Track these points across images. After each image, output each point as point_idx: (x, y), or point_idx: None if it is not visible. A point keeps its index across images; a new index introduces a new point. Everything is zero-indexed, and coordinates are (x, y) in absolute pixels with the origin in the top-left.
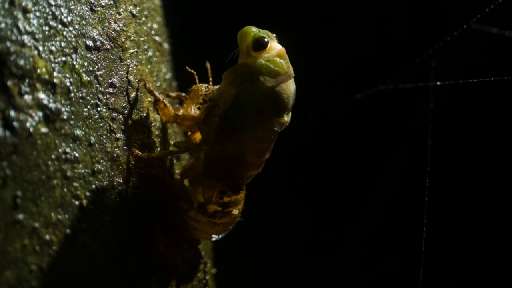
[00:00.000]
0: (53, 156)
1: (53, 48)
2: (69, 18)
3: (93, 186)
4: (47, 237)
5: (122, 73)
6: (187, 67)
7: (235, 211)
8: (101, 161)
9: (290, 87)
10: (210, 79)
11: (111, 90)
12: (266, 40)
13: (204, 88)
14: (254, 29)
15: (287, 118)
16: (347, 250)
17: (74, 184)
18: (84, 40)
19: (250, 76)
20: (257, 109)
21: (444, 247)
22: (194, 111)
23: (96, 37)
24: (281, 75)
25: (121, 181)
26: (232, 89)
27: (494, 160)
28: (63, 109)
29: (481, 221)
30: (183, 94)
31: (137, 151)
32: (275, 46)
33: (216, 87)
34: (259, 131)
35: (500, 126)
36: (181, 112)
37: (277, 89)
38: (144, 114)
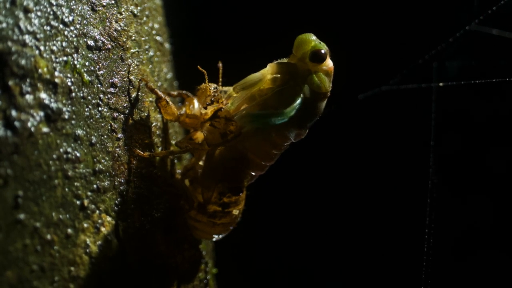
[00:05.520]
0: (54, 156)
1: (54, 48)
2: (70, 18)
3: (94, 186)
4: (48, 236)
5: (123, 73)
6: (198, 66)
7: (235, 211)
8: (102, 160)
9: (322, 105)
10: (220, 79)
11: (112, 90)
12: (324, 53)
13: (212, 88)
14: (314, 38)
15: (304, 132)
16: (347, 249)
17: (75, 184)
18: (85, 40)
19: (295, 80)
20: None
21: (444, 246)
22: (196, 109)
23: (97, 37)
24: (321, 92)
25: (122, 181)
26: (269, 84)
27: (495, 161)
28: (64, 109)
29: (481, 221)
30: (184, 92)
31: (138, 151)
32: (328, 63)
33: (225, 88)
34: (274, 136)
35: (501, 127)
36: (183, 110)
37: (312, 104)
38: (145, 114)
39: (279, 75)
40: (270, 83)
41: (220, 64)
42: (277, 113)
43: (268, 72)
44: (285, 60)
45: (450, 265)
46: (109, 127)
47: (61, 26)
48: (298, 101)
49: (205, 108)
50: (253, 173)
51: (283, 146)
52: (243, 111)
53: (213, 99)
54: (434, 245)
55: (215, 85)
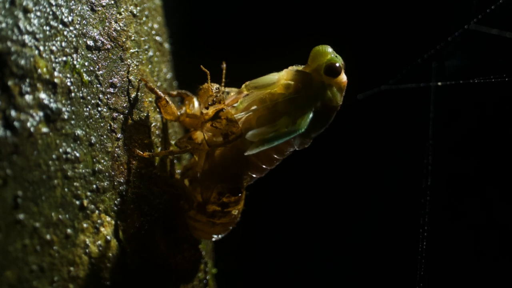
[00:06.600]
0: (53, 156)
1: (53, 48)
2: (70, 18)
3: (94, 186)
4: (48, 237)
5: (123, 73)
6: (201, 66)
7: (235, 211)
8: (102, 161)
9: (330, 118)
10: (223, 79)
11: (111, 90)
12: (339, 67)
13: (214, 88)
14: (330, 50)
15: (309, 141)
16: (347, 249)
17: (75, 184)
18: (85, 40)
19: (308, 90)
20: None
21: (444, 247)
22: (196, 108)
23: (96, 37)
24: (332, 105)
25: (122, 181)
26: (281, 89)
27: (494, 160)
28: (63, 109)
29: (481, 222)
30: (184, 91)
31: (138, 151)
32: (342, 77)
33: (227, 89)
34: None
35: (500, 126)
36: (183, 110)
37: (321, 116)
38: (145, 114)
39: (292, 83)
40: (282, 88)
41: (224, 65)
42: (290, 131)
43: (283, 77)
44: (300, 68)
45: (447, 265)
46: (108, 127)
47: (60, 26)
48: (311, 115)
49: (207, 108)
50: (253, 175)
51: (286, 152)
52: (250, 113)
53: (215, 99)
54: (434, 245)
55: (217, 85)
